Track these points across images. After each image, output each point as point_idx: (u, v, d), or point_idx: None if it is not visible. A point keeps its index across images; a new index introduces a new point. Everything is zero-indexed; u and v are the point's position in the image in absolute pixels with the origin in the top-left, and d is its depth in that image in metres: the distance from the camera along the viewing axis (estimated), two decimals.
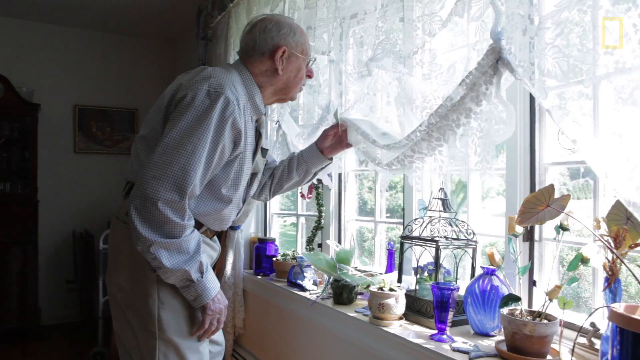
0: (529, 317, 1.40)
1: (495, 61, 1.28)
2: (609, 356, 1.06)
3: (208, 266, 1.45)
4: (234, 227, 2.90)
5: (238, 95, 1.41)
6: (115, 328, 1.56)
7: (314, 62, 1.69)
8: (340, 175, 2.61)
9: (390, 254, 2.16)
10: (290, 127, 2.41)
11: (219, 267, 2.91)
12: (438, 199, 1.84)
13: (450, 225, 1.79)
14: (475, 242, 1.77)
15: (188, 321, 1.46)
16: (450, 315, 1.56)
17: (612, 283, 1.21)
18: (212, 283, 1.44)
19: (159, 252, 1.32)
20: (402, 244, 1.91)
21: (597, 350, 1.34)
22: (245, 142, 1.47)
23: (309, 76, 1.65)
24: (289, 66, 1.54)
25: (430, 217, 1.82)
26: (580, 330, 1.29)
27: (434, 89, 1.61)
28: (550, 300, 1.36)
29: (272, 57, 1.51)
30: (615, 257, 1.20)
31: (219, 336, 1.76)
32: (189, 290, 1.40)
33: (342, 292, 2.07)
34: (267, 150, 1.75)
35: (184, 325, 1.45)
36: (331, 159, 1.88)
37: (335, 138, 1.85)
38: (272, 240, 2.89)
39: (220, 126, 1.36)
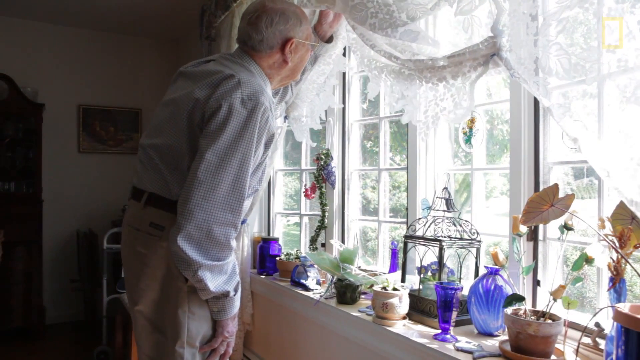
0: (533, 317, 1.39)
1: (491, 55, 1.28)
2: (614, 356, 1.05)
3: (240, 284, 1.44)
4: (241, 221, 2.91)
5: (270, 99, 1.41)
6: (141, 345, 1.49)
7: (317, 47, 1.67)
8: (343, 174, 2.61)
9: (393, 254, 2.16)
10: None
11: None
12: (442, 198, 1.84)
13: (454, 224, 1.78)
14: (479, 241, 1.77)
15: (213, 332, 1.45)
16: (454, 315, 1.55)
17: (617, 283, 1.20)
18: (238, 301, 1.44)
19: (204, 274, 1.30)
20: (405, 244, 1.91)
21: (601, 350, 1.33)
22: None
23: None
24: (296, 55, 1.55)
25: (434, 216, 1.82)
26: (584, 330, 1.29)
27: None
28: (555, 300, 1.36)
29: (282, 50, 1.50)
30: (620, 256, 1.19)
31: None
32: (217, 302, 1.39)
33: (346, 292, 2.07)
34: None
35: (210, 335, 1.44)
36: (331, 39, 1.89)
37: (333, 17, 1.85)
38: (276, 240, 2.89)
39: (260, 135, 1.35)
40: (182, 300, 1.38)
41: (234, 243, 1.37)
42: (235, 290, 1.41)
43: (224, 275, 1.36)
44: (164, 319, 1.41)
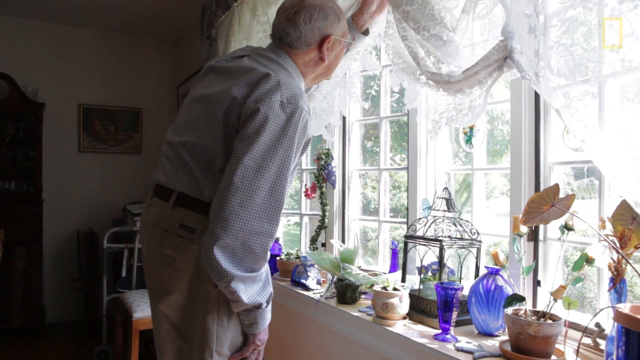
0: (533, 317, 1.39)
1: (503, 59, 1.28)
2: (614, 357, 1.05)
3: (272, 295, 1.40)
4: None
5: (307, 101, 1.36)
6: (164, 351, 1.43)
7: (352, 43, 1.65)
8: (344, 174, 2.61)
9: (394, 254, 2.16)
10: None
11: None
12: (442, 198, 1.84)
13: (454, 224, 1.78)
14: (480, 241, 1.77)
15: (243, 338, 1.42)
16: (454, 315, 1.55)
17: (618, 283, 1.20)
18: (269, 313, 1.40)
19: (237, 286, 1.26)
20: (406, 244, 1.90)
21: (602, 351, 1.33)
22: None
23: None
24: (332, 52, 1.50)
25: (434, 216, 1.81)
26: (585, 330, 1.29)
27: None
28: (555, 300, 1.36)
29: (319, 47, 1.46)
30: (620, 257, 1.19)
31: None
32: (249, 315, 1.35)
33: (346, 292, 2.06)
34: None
35: (239, 342, 1.41)
36: (367, 32, 1.81)
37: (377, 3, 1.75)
38: (276, 240, 2.89)
39: (299, 141, 1.31)
40: (212, 306, 1.33)
41: (268, 254, 1.32)
42: (268, 302, 1.36)
43: (258, 283, 1.31)
44: (190, 326, 1.36)
